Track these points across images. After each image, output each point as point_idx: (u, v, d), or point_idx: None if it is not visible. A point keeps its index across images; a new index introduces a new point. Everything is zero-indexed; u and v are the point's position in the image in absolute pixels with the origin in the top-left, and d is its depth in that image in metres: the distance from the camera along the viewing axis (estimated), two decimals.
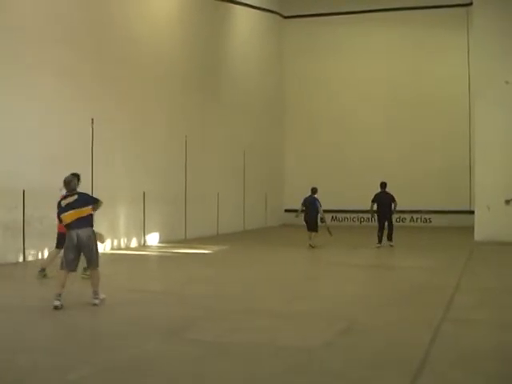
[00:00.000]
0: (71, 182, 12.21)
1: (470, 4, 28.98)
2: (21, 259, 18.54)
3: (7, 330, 9.97)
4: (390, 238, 24.01)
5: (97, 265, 12.02)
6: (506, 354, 8.56)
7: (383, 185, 24.44)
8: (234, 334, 9.54)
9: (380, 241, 23.84)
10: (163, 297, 13.35)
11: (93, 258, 11.96)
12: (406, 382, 7.23)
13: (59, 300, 11.40)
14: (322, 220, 24.36)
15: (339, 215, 37.14)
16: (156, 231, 24.95)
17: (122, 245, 23.17)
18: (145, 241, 24.25)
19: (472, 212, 28.28)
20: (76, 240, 11.69)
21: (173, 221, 26.25)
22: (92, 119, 21.24)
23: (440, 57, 36.85)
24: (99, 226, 21.43)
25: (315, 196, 23.80)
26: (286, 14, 39.42)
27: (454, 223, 34.67)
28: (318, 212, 23.72)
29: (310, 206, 23.63)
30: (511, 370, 7.81)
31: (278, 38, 39.10)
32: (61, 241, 13.17)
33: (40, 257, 19.16)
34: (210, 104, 30.20)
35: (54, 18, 20.01)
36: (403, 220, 34.62)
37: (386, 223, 23.89)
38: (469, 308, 11.86)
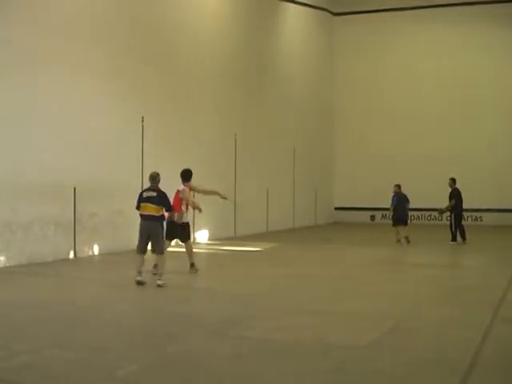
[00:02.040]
0: (156, 177, 14.36)
1: None
2: (72, 255, 18.75)
3: (53, 329, 10.08)
4: (457, 237, 24.17)
5: (161, 252, 14.13)
6: None
7: (455, 180, 24.38)
8: (281, 332, 9.53)
9: (458, 238, 24.09)
10: (212, 294, 13.40)
11: (158, 246, 14.14)
12: (455, 382, 7.15)
13: (140, 276, 13.84)
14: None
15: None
16: (205, 228, 25.04)
17: (172, 242, 23.25)
18: (194, 238, 24.32)
19: None
20: (147, 229, 14.06)
21: (222, 218, 26.30)
22: (142, 117, 21.41)
23: (490, 53, 36.41)
24: None
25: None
26: (335, 11, 39.22)
27: (504, 221, 34.22)
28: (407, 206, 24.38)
29: (403, 201, 24.05)
30: None
31: (328, 35, 38.92)
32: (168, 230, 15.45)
33: (90, 253, 19.37)
34: (259, 102, 30.21)
35: (101, 18, 20.19)
36: None
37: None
38: None
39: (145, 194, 14.18)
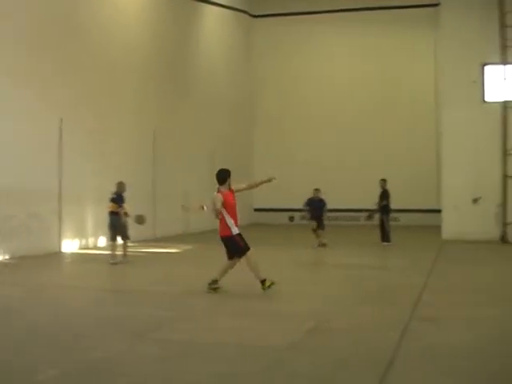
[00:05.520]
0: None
1: (439, 4, 29.19)
2: None
3: None
4: (385, 239, 24.38)
5: None
6: (471, 351, 8.63)
7: (386, 181, 24.73)
8: (204, 334, 9.53)
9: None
10: (133, 297, 13.30)
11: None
12: (375, 381, 7.26)
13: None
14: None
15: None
16: None
17: (90, 244, 23.06)
18: (109, 239, 24.04)
19: (439, 210, 28.45)
20: None
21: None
22: (61, 118, 21.10)
23: (409, 57, 37.14)
24: (67, 226, 21.43)
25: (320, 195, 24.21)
26: (254, 14, 39.47)
27: (421, 222, 34.88)
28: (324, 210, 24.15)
29: (319, 205, 23.91)
30: (478, 368, 7.88)
31: (247, 36, 39.14)
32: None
33: (6, 256, 19.00)
34: (179, 102, 30.14)
35: (20, 16, 19.83)
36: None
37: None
38: (436, 307, 11.93)
39: None
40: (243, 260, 13.25)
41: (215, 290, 13.29)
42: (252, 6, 39.18)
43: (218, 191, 13.32)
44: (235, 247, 13.25)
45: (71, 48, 22.19)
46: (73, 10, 22.49)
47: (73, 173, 21.63)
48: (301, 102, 38.73)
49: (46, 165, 20.83)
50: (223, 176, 13.64)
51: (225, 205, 13.15)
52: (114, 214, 18.36)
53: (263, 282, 13.05)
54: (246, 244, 13.22)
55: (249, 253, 13.18)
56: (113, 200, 18.36)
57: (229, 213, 13.24)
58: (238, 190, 13.89)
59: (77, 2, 22.88)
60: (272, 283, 13.00)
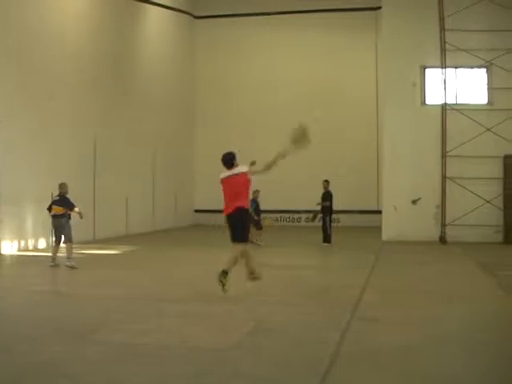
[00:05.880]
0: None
1: (380, 7, 29.53)
2: None
3: None
4: (326, 240, 24.70)
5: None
6: (408, 351, 8.73)
7: (329, 182, 25.08)
8: (145, 336, 9.47)
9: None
10: (72, 299, 13.14)
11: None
12: (316, 381, 7.30)
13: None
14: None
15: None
16: None
17: (30, 246, 22.76)
18: (53, 242, 23.79)
19: (380, 212, 28.74)
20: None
21: (81, 221, 25.85)
22: None
23: (351, 59, 37.45)
24: (5, 227, 21.11)
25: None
26: (197, 14, 39.44)
27: (362, 223, 35.22)
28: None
29: (258, 207, 24.84)
30: (414, 367, 8.00)
31: (189, 37, 39.10)
32: None
33: None
34: (120, 104, 29.92)
35: None
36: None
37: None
38: (376, 307, 12.05)
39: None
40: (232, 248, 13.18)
41: (254, 279, 13.35)
42: (194, 6, 39.16)
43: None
44: (241, 228, 13.05)
45: (8, 46, 21.85)
46: (14, 10, 22.14)
47: (11, 174, 21.31)
48: (241, 102, 38.78)
49: None
50: (228, 158, 13.62)
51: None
52: (57, 217, 17.93)
53: (225, 273, 12.74)
54: (247, 235, 13.15)
55: (243, 245, 13.05)
56: (55, 202, 17.95)
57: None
58: (253, 173, 14.00)
59: (15, 3, 22.52)
60: (225, 284, 12.64)
